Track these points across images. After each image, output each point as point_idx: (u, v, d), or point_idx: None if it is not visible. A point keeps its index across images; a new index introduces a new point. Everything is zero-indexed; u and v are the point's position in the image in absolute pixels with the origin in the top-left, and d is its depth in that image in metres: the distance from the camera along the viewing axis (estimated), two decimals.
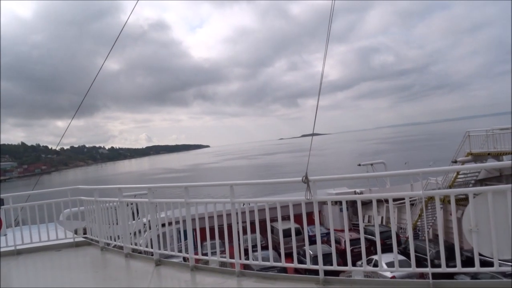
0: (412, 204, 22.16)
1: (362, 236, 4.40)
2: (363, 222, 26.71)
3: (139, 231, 7.18)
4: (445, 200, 20.28)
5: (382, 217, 24.96)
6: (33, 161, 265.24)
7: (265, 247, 5.41)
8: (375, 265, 18.58)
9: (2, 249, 7.58)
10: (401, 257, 16.81)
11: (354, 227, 24.46)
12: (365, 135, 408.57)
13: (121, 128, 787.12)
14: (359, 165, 26.94)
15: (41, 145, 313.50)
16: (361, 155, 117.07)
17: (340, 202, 4.54)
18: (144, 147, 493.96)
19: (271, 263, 5.17)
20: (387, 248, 5.10)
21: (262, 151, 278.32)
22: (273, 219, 4.93)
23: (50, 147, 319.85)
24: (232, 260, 5.25)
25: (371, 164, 25.98)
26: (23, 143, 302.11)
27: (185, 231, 5.89)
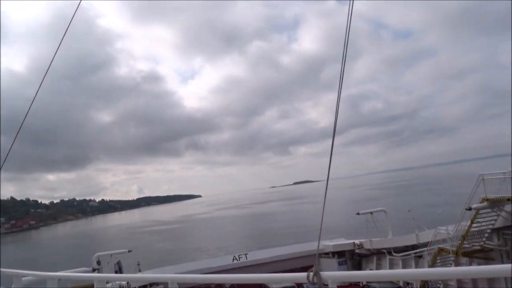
0: (419, 257, 19.92)
1: None
2: None
3: None
4: (458, 252, 18.26)
5: None
6: (22, 216, 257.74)
7: None
8: None
9: None
10: None
11: (354, 283, 21.91)
12: (357, 181, 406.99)
13: (112, 180, 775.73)
14: (358, 213, 24.76)
15: (31, 199, 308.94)
16: (354, 202, 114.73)
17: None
18: (135, 198, 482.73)
19: None
20: None
21: (254, 199, 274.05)
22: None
23: (40, 201, 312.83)
24: None
25: (371, 213, 23.81)
26: (12, 198, 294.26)
27: None
